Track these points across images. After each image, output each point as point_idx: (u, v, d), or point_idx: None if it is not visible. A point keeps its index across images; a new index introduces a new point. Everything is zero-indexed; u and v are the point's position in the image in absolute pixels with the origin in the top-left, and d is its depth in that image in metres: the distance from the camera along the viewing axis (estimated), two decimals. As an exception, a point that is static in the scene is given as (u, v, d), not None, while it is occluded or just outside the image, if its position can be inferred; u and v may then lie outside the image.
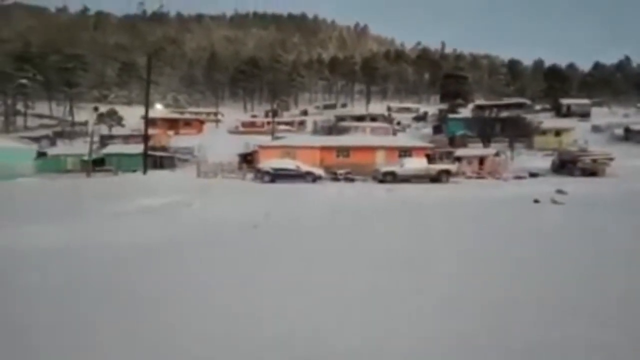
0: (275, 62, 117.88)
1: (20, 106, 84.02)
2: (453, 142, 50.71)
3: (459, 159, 39.45)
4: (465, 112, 62.07)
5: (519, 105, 61.05)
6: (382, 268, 5.94)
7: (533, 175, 33.70)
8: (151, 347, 3.49)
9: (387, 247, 7.39)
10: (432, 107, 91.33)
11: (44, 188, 21.66)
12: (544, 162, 38.60)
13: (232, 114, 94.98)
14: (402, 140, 46.63)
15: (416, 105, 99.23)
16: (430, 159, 34.64)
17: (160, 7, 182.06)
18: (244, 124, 78.42)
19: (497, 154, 40.48)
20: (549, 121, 55.37)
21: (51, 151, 52.28)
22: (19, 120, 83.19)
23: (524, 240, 7.99)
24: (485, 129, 49.05)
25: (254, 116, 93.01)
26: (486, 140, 48.40)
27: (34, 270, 5.79)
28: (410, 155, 35.01)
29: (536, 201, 14.70)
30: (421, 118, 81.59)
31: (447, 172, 30.56)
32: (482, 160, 39.12)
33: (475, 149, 44.76)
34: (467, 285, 5.05)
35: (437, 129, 62.43)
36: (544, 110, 71.79)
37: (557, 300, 4.57)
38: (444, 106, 78.41)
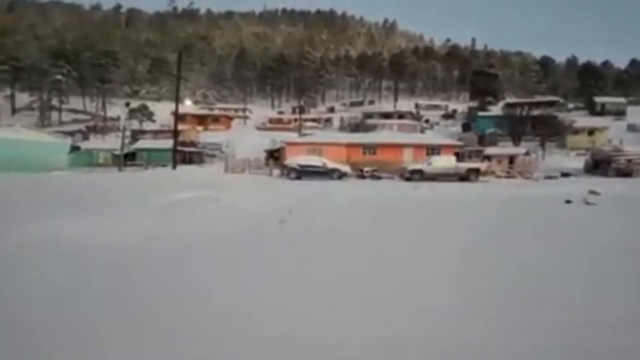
0: (303, 59, 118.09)
1: (55, 101, 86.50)
2: (482, 140, 49.97)
3: (488, 158, 38.86)
4: (495, 110, 61.13)
5: (551, 104, 59.70)
6: (408, 268, 5.91)
7: (565, 175, 32.93)
8: (179, 336, 3.55)
9: (413, 246, 7.34)
10: (461, 105, 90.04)
11: (78, 181, 22.25)
12: (576, 162, 37.67)
13: (260, 110, 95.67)
14: (430, 138, 46.23)
15: (445, 102, 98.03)
16: (459, 157, 34.21)
17: (191, 4, 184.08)
18: (271, 121, 78.90)
19: (527, 153, 39.70)
20: (582, 120, 53.95)
21: (84, 145, 53.74)
22: (54, 115, 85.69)
23: (555, 242, 7.82)
24: (516, 127, 48.17)
25: (281, 113, 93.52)
26: (516, 139, 47.54)
27: (73, 260, 5.97)
28: (438, 153, 34.65)
29: (568, 201, 14.36)
30: (450, 116, 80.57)
31: (476, 171, 30.12)
32: (512, 159, 38.42)
33: (505, 148, 44.03)
34: (498, 287, 4.99)
35: (466, 127, 61.58)
36: (577, 108, 70.07)
37: (594, 302, 4.47)
38: (473, 104, 77.18)
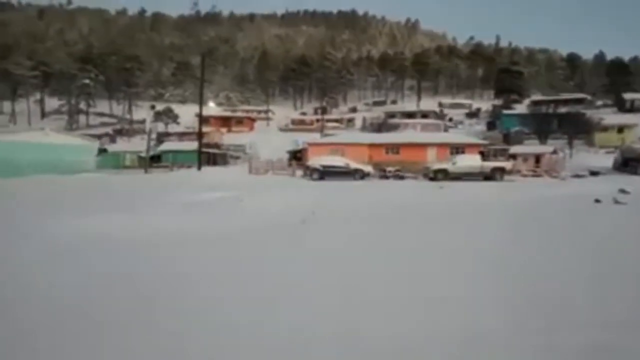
0: (324, 60, 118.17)
1: (83, 105, 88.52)
2: (507, 138, 49.19)
3: (513, 157, 38.21)
4: (521, 108, 60.16)
5: (579, 101, 58.50)
6: (433, 269, 5.88)
7: (594, 173, 32.13)
8: (208, 327, 3.62)
9: (440, 248, 7.29)
10: (485, 103, 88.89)
11: (106, 182, 22.75)
12: (605, 160, 36.72)
13: (283, 111, 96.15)
14: (454, 137, 45.67)
15: (469, 101, 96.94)
16: (484, 156, 33.71)
17: (214, 7, 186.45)
18: (293, 122, 79.23)
19: (554, 152, 38.91)
20: (611, 117, 52.66)
21: (111, 148, 54.79)
22: (82, 119, 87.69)
23: (585, 241, 7.67)
24: (542, 125, 47.28)
25: (303, 114, 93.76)
26: (543, 137, 46.67)
27: (109, 256, 6.13)
28: (462, 153, 34.23)
29: (597, 201, 14.04)
30: (474, 114, 79.55)
31: (502, 170, 29.63)
32: (538, 157, 37.69)
33: (531, 146, 43.24)
34: (530, 287, 4.93)
35: (490, 126, 60.76)
36: (605, 105, 68.37)
37: (627, 303, 4.39)
38: (498, 102, 76.15)
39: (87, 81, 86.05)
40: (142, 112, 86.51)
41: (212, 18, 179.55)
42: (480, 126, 65.30)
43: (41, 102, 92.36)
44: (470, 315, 4.00)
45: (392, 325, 3.76)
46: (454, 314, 4.03)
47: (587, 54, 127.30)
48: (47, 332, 3.61)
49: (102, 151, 47.43)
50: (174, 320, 3.87)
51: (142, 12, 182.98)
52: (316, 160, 32.01)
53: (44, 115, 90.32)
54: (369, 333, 3.59)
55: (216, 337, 3.50)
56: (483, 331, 3.63)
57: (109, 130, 75.85)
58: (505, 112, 59.67)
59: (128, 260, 6.04)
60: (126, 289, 4.81)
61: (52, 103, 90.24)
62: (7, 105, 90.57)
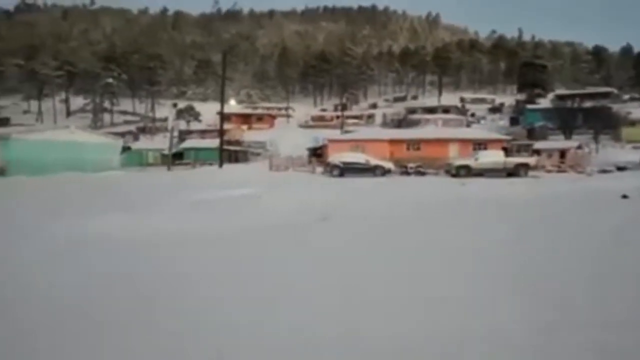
0: (344, 56, 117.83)
1: (107, 104, 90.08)
2: (532, 134, 48.41)
3: (538, 152, 37.58)
4: (545, 102, 59.10)
5: (605, 95, 57.19)
6: (458, 269, 5.82)
7: (620, 169, 31.40)
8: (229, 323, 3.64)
9: (462, 245, 7.21)
10: (508, 98, 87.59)
11: (130, 181, 23.13)
12: (632, 155, 35.81)
13: (303, 108, 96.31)
14: (477, 132, 45.12)
15: (491, 96, 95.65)
16: (507, 151, 33.21)
17: (234, 5, 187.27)
18: (313, 118, 79.28)
19: (579, 147, 38.15)
20: (638, 111, 51.31)
21: (135, 146, 55.64)
22: (106, 117, 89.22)
23: (614, 238, 7.50)
24: (567, 119, 46.38)
25: (323, 110, 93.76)
26: (568, 132, 45.80)
27: (137, 253, 6.25)
28: (485, 148, 33.78)
29: (624, 196, 13.73)
30: (497, 109, 78.47)
31: (525, 166, 29.15)
32: (563, 153, 37.01)
33: (555, 142, 42.47)
34: (554, 290, 4.85)
35: (514, 121, 59.84)
36: (632, 99, 66.64)
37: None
38: (521, 96, 74.90)
39: (110, 80, 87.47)
40: (164, 110, 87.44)
41: (233, 15, 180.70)
42: (503, 121, 64.43)
43: (66, 101, 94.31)
44: (507, 313, 3.95)
45: (424, 323, 3.74)
46: (479, 313, 3.99)
47: (613, 46, 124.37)
48: (82, 326, 3.68)
49: (125, 149, 48.17)
50: (202, 319, 3.89)
51: (164, 10, 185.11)
52: (336, 156, 31.98)
53: (69, 114, 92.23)
54: (405, 332, 3.57)
55: (260, 334, 3.54)
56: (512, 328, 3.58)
57: (132, 128, 77.07)
58: (529, 106, 58.70)
59: (153, 260, 6.10)
60: (150, 286, 4.87)
61: (77, 102, 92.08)
62: (34, 105, 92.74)
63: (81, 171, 25.82)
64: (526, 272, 5.41)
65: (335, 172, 29.91)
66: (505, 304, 4.23)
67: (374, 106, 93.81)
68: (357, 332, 3.56)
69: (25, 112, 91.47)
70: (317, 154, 41.82)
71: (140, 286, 4.86)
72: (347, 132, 50.48)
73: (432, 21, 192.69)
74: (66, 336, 3.52)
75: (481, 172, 28.19)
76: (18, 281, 5.03)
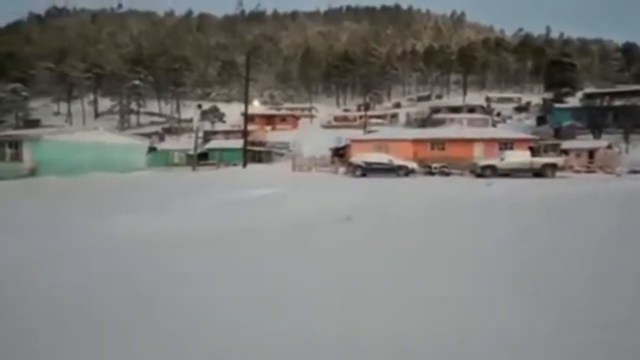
0: (368, 56, 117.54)
1: (133, 105, 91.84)
2: (559, 133, 47.51)
3: (565, 152, 36.85)
4: (573, 101, 57.91)
5: (635, 93, 55.57)
6: (484, 271, 5.74)
7: (652, 169, 30.59)
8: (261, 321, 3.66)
9: (489, 246, 7.11)
10: (535, 97, 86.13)
11: (158, 180, 23.53)
12: (665, 155, 34.86)
13: (326, 108, 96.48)
14: (502, 132, 44.51)
15: (517, 95, 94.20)
16: (534, 151, 32.64)
17: (258, 6, 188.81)
18: (336, 118, 79.34)
19: (609, 146, 37.25)
20: (672, 109, 49.78)
21: (161, 146, 56.57)
22: (133, 118, 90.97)
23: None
24: (596, 118, 45.37)
25: (346, 110, 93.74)
26: (597, 131, 44.80)
27: (161, 253, 6.34)
28: (511, 148, 33.28)
29: (658, 197, 13.36)
30: (523, 108, 77.26)
31: (553, 166, 28.56)
32: (592, 153, 36.22)
33: (584, 141, 41.60)
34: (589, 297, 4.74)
35: (541, 120, 58.83)
36: (666, 97, 64.70)
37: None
38: (548, 95, 73.53)
39: (137, 82, 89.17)
40: (189, 111, 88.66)
41: (256, 17, 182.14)
42: (530, 121, 63.43)
43: (95, 102, 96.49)
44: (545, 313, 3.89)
45: (465, 323, 3.70)
46: (515, 310, 3.93)
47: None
48: (121, 324, 3.76)
49: (152, 149, 49.02)
50: (243, 318, 3.90)
51: (189, 13, 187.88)
52: (359, 156, 31.88)
53: (97, 115, 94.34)
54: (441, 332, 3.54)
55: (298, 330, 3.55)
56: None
57: (158, 129, 78.40)
58: (557, 105, 57.59)
59: (185, 260, 6.15)
60: (185, 285, 4.93)
61: (104, 104, 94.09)
62: (63, 107, 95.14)
63: (109, 171, 26.32)
64: (563, 275, 5.29)
65: (358, 172, 29.81)
66: (539, 309, 4.15)
67: (398, 106, 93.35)
68: (388, 332, 3.54)
69: (55, 113, 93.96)
70: (339, 154, 41.84)
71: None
72: (370, 132, 50.33)
73: (457, 20, 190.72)
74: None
75: (507, 173, 27.76)
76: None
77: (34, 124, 68.02)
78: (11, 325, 3.76)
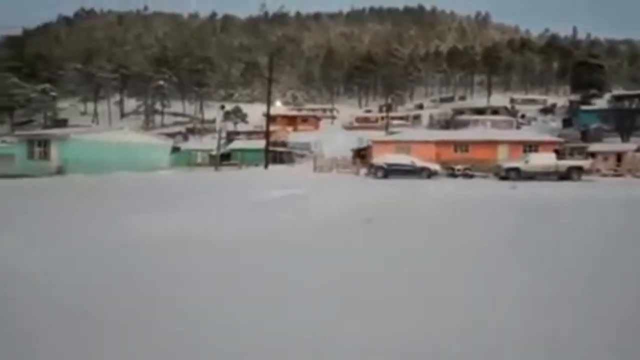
0: (390, 57, 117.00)
1: (158, 105, 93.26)
2: (586, 136, 46.55)
3: (592, 155, 36.07)
4: (600, 103, 56.71)
5: (667, 95, 54.25)
6: (509, 274, 5.66)
7: (683, 173, 29.72)
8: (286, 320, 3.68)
9: (513, 250, 7.01)
10: (561, 99, 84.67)
11: (181, 181, 23.84)
12: (697, 159, 33.79)
13: (347, 109, 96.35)
14: (527, 134, 43.83)
15: (543, 96, 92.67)
16: (559, 154, 32.03)
17: (281, 8, 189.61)
18: (358, 120, 79.14)
19: (638, 149, 36.33)
20: None
21: (184, 146, 57.26)
22: (157, 118, 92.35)
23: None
24: (624, 121, 44.35)
25: (368, 111, 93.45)
26: (625, 134, 43.78)
27: (188, 255, 6.43)
28: (536, 151, 32.76)
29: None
30: (549, 110, 75.97)
31: (579, 169, 27.98)
32: (620, 156, 35.37)
33: (611, 144, 40.65)
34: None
35: (567, 122, 57.74)
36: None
37: None
38: (575, 97, 72.16)
39: (161, 82, 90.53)
40: (212, 111, 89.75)
41: (280, 18, 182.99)
42: (556, 123, 62.34)
43: (120, 103, 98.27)
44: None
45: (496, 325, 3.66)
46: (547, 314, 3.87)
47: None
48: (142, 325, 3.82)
49: (175, 149, 49.66)
50: (278, 319, 3.92)
51: (213, 15, 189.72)
52: (381, 158, 31.74)
53: (123, 115, 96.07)
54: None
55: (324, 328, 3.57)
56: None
57: (181, 129, 79.42)
58: (584, 107, 56.46)
59: (209, 260, 6.20)
60: (210, 287, 4.96)
61: (130, 104, 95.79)
62: (90, 106, 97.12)
63: (133, 170, 26.73)
64: (599, 284, 5.20)
65: (380, 173, 29.65)
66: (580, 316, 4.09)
67: (420, 107, 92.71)
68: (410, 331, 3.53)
69: (82, 113, 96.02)
70: (361, 155, 41.71)
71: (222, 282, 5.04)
72: (392, 133, 50.07)
73: (482, 20, 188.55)
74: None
75: (532, 175, 27.31)
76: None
77: (62, 123, 69.54)
78: (38, 320, 3.85)
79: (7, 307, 4.16)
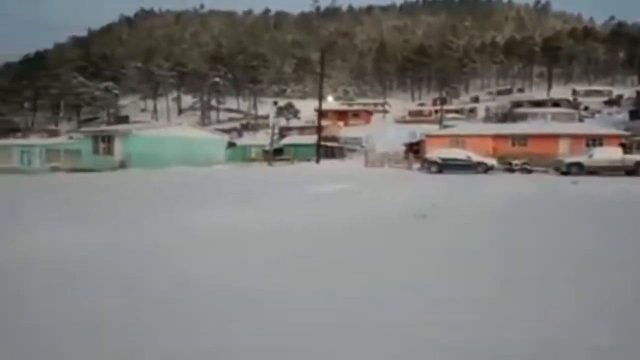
0: (445, 49, 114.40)
1: (213, 102, 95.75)
2: (656, 129, 43.77)
3: (663, 149, 33.91)
4: (673, 93, 53.15)
5: None
6: (566, 272, 5.47)
7: None
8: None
9: (572, 250, 6.75)
10: (628, 90, 79.98)
11: (239, 175, 24.54)
12: None
13: (400, 103, 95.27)
14: (590, 127, 41.82)
15: (608, 87, 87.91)
16: (626, 148, 30.34)
17: (333, 2, 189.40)
18: (410, 113, 78.15)
19: None
20: None
21: (238, 142, 58.57)
22: (213, 115, 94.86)
23: None
24: (700, 113, 41.33)
25: (421, 105, 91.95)
26: (701, 127, 40.82)
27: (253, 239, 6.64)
28: (600, 145, 31.19)
29: None
30: (614, 102, 72.03)
31: (648, 164, 26.42)
32: (694, 150, 33.04)
33: (685, 137, 38.04)
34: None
35: (634, 114, 54.57)
36: None
37: None
38: (643, 88, 68.02)
39: (217, 79, 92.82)
40: (266, 107, 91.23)
41: (332, 13, 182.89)
42: (622, 115, 59.06)
43: (178, 99, 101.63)
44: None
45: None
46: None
47: None
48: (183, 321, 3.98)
49: (230, 145, 50.83)
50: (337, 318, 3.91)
51: (267, 11, 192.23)
52: (434, 152, 31.18)
53: (180, 111, 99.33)
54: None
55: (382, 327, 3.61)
56: None
57: (236, 125, 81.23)
58: (653, 98, 53.16)
59: (266, 253, 6.26)
60: (265, 280, 5.00)
61: (187, 100, 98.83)
62: (149, 103, 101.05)
63: (191, 165, 27.66)
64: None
65: (433, 168, 29.12)
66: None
67: (476, 100, 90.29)
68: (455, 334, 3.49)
69: (142, 110, 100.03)
70: (414, 149, 41.16)
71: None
72: (446, 127, 49.06)
73: (541, 9, 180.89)
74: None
75: (595, 170, 26.01)
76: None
77: (124, 120, 72.47)
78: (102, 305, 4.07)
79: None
